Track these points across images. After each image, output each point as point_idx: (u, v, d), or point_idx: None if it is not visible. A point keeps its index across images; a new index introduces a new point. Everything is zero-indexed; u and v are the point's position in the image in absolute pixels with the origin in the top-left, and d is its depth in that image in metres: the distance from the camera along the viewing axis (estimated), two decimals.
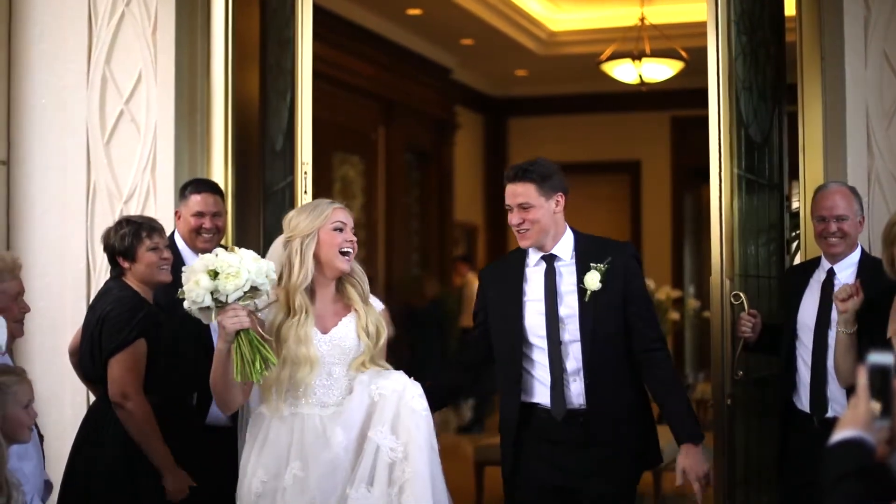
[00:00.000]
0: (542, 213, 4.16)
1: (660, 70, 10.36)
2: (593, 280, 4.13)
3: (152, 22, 5.77)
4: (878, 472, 2.04)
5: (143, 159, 5.76)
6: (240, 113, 5.91)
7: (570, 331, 4.17)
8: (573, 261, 4.22)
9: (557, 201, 4.20)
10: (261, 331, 3.72)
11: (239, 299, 3.60)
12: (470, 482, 7.74)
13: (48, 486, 4.16)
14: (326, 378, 3.80)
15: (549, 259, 4.23)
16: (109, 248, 4.52)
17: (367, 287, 3.98)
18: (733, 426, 5.12)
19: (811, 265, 4.78)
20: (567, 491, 4.18)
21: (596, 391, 4.13)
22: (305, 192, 5.43)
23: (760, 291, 5.34)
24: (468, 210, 14.18)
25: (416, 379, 3.86)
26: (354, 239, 3.91)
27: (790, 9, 5.45)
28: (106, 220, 5.44)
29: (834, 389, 4.48)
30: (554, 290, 4.19)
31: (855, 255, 4.61)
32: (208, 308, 3.62)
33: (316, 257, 3.84)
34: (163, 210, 5.60)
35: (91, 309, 4.57)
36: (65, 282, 5.80)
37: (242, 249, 3.68)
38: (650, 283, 10.59)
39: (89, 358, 4.45)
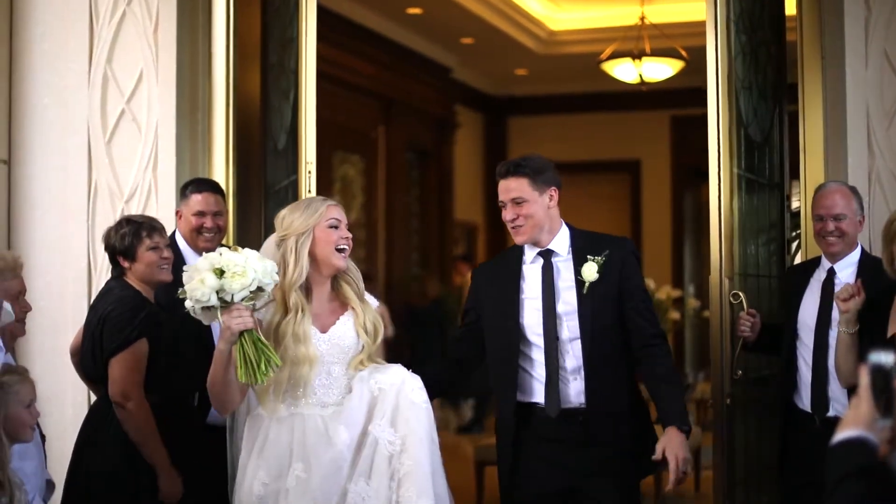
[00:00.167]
0: (536, 207, 4.12)
1: (660, 69, 10.36)
2: (591, 271, 4.09)
3: (153, 21, 5.78)
4: (881, 471, 2.04)
5: (144, 158, 5.77)
6: (241, 112, 5.91)
7: (570, 328, 4.12)
8: (570, 256, 4.17)
9: (551, 196, 4.15)
10: (259, 333, 3.68)
11: (244, 299, 3.57)
12: (470, 482, 7.74)
13: (50, 485, 4.16)
14: (326, 377, 3.77)
15: (546, 254, 4.19)
16: (110, 248, 4.52)
17: (361, 284, 3.96)
18: (732, 426, 5.12)
19: (812, 265, 4.78)
20: (568, 492, 4.13)
21: (596, 389, 4.08)
22: (309, 190, 5.43)
23: (760, 291, 5.34)
24: (468, 209, 14.18)
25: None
26: (350, 236, 3.89)
27: (791, 8, 5.46)
28: (107, 219, 5.44)
29: (835, 389, 4.48)
30: (552, 286, 4.14)
31: (855, 255, 4.62)
32: (212, 308, 3.58)
33: (312, 255, 3.81)
34: (164, 209, 5.61)
35: (92, 308, 4.56)
36: (66, 281, 5.81)
37: (246, 249, 3.65)
38: (650, 283, 10.59)
39: (90, 357, 4.45)
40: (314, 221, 3.81)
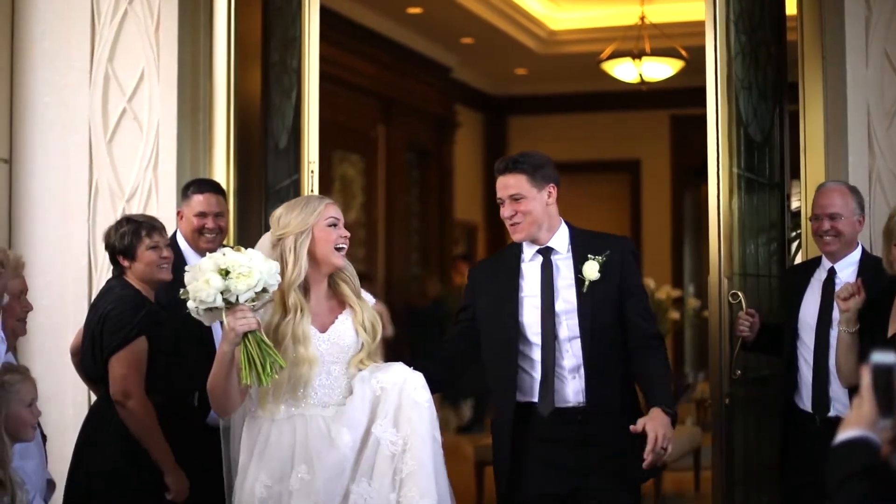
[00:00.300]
0: (534, 204, 4.08)
1: (660, 69, 10.36)
2: (592, 270, 4.05)
3: (155, 20, 5.78)
4: (884, 472, 2.04)
5: (145, 158, 5.77)
6: (242, 111, 5.91)
7: (569, 326, 4.08)
8: (570, 254, 4.13)
9: (550, 192, 4.11)
10: (263, 334, 3.64)
11: (248, 300, 3.54)
12: (470, 482, 7.75)
13: (51, 485, 4.17)
14: (326, 377, 3.74)
15: (546, 252, 4.14)
16: (110, 247, 4.53)
17: (357, 282, 3.93)
18: (731, 425, 5.13)
19: (812, 264, 4.79)
20: (569, 494, 4.07)
21: (595, 388, 4.05)
22: (312, 190, 5.43)
23: (760, 291, 5.34)
24: (468, 209, 14.18)
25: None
26: (348, 234, 3.86)
27: (791, 8, 5.46)
28: (108, 218, 5.44)
29: (836, 389, 4.48)
30: (551, 284, 4.10)
31: (856, 254, 4.62)
32: (215, 309, 3.54)
33: (311, 254, 3.76)
34: (165, 208, 5.61)
35: (92, 308, 4.57)
36: (66, 280, 5.81)
37: (250, 249, 3.63)
38: (650, 283, 10.61)
39: (91, 357, 4.45)
40: (313, 220, 3.77)
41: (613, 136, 14.15)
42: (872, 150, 5.07)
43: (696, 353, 13.58)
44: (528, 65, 13.36)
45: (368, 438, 3.66)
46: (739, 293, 5.05)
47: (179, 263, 4.61)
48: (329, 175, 11.31)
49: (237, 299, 3.52)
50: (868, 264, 4.56)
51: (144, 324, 4.36)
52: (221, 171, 5.78)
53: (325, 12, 5.65)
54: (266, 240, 3.85)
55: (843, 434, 2.12)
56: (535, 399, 4.11)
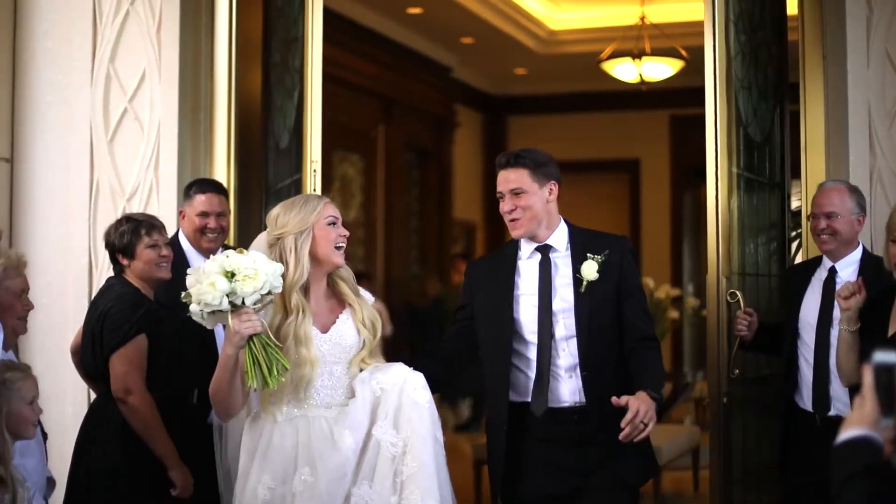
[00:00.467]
0: (534, 199, 4.04)
1: (660, 69, 10.36)
2: (590, 270, 4.01)
3: (157, 21, 5.80)
4: (886, 470, 2.05)
5: (146, 157, 5.78)
6: (242, 111, 5.92)
7: (566, 325, 4.03)
8: (569, 252, 4.09)
9: (551, 189, 4.07)
10: (271, 335, 3.61)
11: (254, 303, 3.50)
12: (468, 480, 7.75)
13: (51, 482, 4.17)
14: (328, 378, 3.70)
15: (544, 250, 4.10)
16: (110, 246, 4.54)
17: (354, 280, 3.90)
18: (729, 425, 5.13)
19: (813, 263, 4.79)
20: (567, 495, 4.03)
21: (592, 388, 4.00)
22: (314, 189, 5.44)
23: (760, 290, 5.35)
24: (467, 208, 14.18)
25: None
26: (347, 233, 3.82)
27: (792, 8, 5.47)
28: (108, 217, 5.45)
29: (836, 388, 4.48)
30: (549, 282, 4.05)
31: (857, 254, 4.62)
32: (218, 312, 3.50)
33: (311, 254, 3.72)
34: (165, 208, 5.63)
35: (92, 306, 4.58)
36: (67, 279, 5.82)
37: (252, 251, 3.59)
38: (649, 282, 10.62)
39: (90, 355, 4.46)
40: (313, 219, 3.73)
41: (613, 135, 14.15)
42: (873, 149, 5.07)
43: (695, 352, 13.59)
44: (528, 65, 13.36)
45: (369, 440, 3.63)
46: (738, 292, 5.05)
47: (181, 263, 4.63)
48: (329, 174, 11.31)
49: (243, 302, 3.48)
50: (869, 263, 4.57)
51: (144, 321, 4.37)
52: (222, 170, 5.79)
53: (325, 12, 5.66)
54: (262, 240, 3.81)
55: (846, 433, 2.12)
56: (529, 398, 4.06)
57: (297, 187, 5.58)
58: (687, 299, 13.38)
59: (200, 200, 4.93)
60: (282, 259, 3.68)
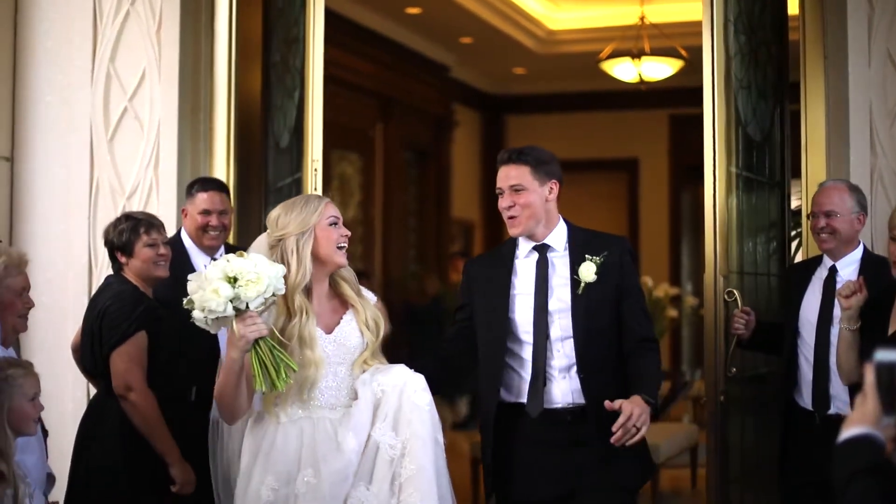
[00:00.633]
0: (534, 197, 4.00)
1: (659, 68, 10.35)
2: (588, 271, 3.96)
3: (157, 21, 5.80)
4: (888, 469, 2.05)
5: (146, 156, 5.79)
6: (242, 111, 5.93)
7: (562, 326, 3.99)
8: (567, 252, 4.05)
9: (551, 188, 4.04)
10: (279, 336, 3.59)
11: (258, 306, 3.46)
12: (466, 478, 7.76)
13: (51, 479, 4.17)
14: (332, 379, 3.68)
15: (542, 249, 4.06)
16: (109, 244, 4.56)
17: (357, 281, 3.88)
18: (727, 423, 5.13)
19: (813, 262, 4.79)
20: (562, 497, 3.99)
21: (588, 389, 3.96)
22: (315, 188, 5.45)
23: (759, 289, 5.35)
24: (466, 207, 14.18)
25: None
26: (349, 233, 3.80)
27: (793, 8, 5.47)
28: (108, 216, 5.45)
29: (836, 386, 4.48)
30: (545, 282, 4.01)
31: (857, 253, 4.63)
32: (223, 317, 3.45)
33: (313, 254, 3.69)
34: (165, 207, 5.64)
35: (91, 304, 4.59)
36: (67, 277, 5.83)
37: (252, 253, 3.55)
38: (648, 281, 10.63)
39: (89, 352, 4.47)
40: (315, 220, 3.70)
41: (612, 135, 14.14)
42: (874, 149, 5.07)
43: (694, 351, 13.59)
44: (527, 64, 13.35)
45: (368, 442, 3.60)
46: (735, 291, 5.06)
47: (184, 261, 4.66)
48: (327, 173, 11.29)
49: (246, 306, 3.45)
50: (870, 263, 4.57)
51: (143, 319, 4.39)
52: (222, 169, 5.79)
53: (324, 12, 5.67)
54: (262, 242, 3.78)
55: (847, 432, 2.12)
56: (524, 399, 4.02)
57: (297, 186, 5.58)
58: (686, 298, 13.39)
59: (203, 198, 4.95)
60: (283, 260, 3.65)
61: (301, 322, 3.63)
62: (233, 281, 3.43)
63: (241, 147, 5.90)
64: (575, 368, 3.99)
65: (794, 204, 5.58)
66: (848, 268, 4.60)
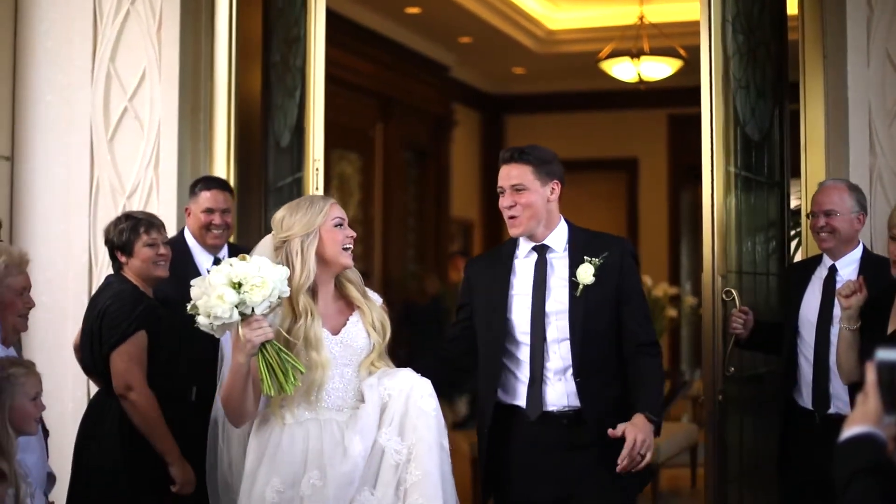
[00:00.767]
0: (535, 197, 3.98)
1: (659, 68, 10.35)
2: (586, 273, 3.94)
3: (157, 21, 5.81)
4: (890, 468, 2.05)
5: (146, 156, 5.80)
6: (242, 110, 5.93)
7: (559, 328, 3.96)
8: (566, 253, 4.02)
9: (553, 189, 4.02)
10: (287, 338, 3.58)
11: (264, 310, 3.44)
12: (465, 478, 7.75)
13: (51, 478, 4.17)
14: (339, 380, 3.66)
15: (541, 249, 4.04)
16: (109, 243, 4.57)
17: (362, 282, 3.87)
18: (725, 423, 5.12)
19: (813, 262, 4.80)
20: (560, 499, 3.96)
21: (585, 392, 3.92)
22: (317, 188, 5.46)
23: (758, 288, 5.35)
24: (465, 207, 14.17)
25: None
26: (354, 234, 3.78)
27: (793, 8, 5.47)
28: (109, 215, 5.45)
29: (836, 386, 4.49)
30: (543, 282, 3.98)
31: (857, 252, 4.63)
32: (230, 323, 3.43)
33: (318, 256, 3.68)
34: (165, 206, 5.64)
35: (91, 303, 4.59)
36: (67, 276, 5.83)
37: (255, 256, 3.53)
38: (647, 280, 10.62)
39: (89, 352, 4.47)
40: (320, 221, 3.69)
41: (611, 134, 14.14)
42: (874, 149, 5.07)
43: (693, 350, 13.58)
44: (527, 64, 13.35)
45: (374, 447, 3.58)
46: (733, 291, 5.05)
47: (187, 260, 4.68)
48: (327, 173, 11.28)
49: (252, 311, 3.42)
50: (869, 262, 4.58)
51: (143, 318, 4.39)
52: (222, 169, 5.80)
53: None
54: (267, 243, 3.77)
55: (849, 431, 2.12)
56: (519, 402, 4.00)
57: (298, 186, 5.59)
58: (685, 298, 13.39)
59: (206, 197, 4.97)
60: (288, 262, 3.64)
61: (307, 323, 3.61)
62: (237, 286, 3.40)
63: (242, 147, 5.91)
64: (571, 371, 3.96)
65: (793, 203, 5.57)
66: (848, 267, 4.61)
